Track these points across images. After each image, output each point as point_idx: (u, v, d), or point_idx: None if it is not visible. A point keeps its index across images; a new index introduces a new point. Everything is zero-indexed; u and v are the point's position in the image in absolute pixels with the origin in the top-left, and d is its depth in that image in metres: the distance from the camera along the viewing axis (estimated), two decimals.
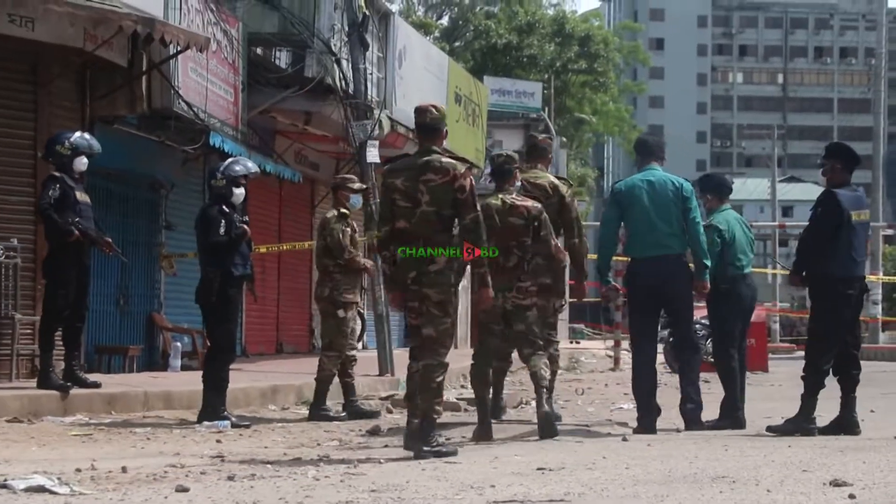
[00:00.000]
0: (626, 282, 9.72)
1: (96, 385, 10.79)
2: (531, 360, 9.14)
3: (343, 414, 11.17)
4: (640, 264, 9.56)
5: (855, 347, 9.52)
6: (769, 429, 9.31)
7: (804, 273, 9.48)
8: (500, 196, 9.33)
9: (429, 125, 8.14)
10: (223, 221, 10.16)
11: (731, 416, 9.90)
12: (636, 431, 9.47)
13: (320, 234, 11.45)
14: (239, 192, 10.36)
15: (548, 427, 8.96)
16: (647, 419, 9.51)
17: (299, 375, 13.64)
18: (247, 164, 10.68)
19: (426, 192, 7.93)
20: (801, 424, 9.21)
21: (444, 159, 8.00)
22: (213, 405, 10.08)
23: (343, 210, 11.32)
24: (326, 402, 11.11)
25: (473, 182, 8.07)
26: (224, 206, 10.25)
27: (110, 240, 11.19)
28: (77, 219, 10.59)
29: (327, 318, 11.26)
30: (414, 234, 7.96)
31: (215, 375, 10.17)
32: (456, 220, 7.94)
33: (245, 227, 10.29)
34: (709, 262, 9.69)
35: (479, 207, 8.00)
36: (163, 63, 13.41)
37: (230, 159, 10.92)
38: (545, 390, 9.06)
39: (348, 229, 11.20)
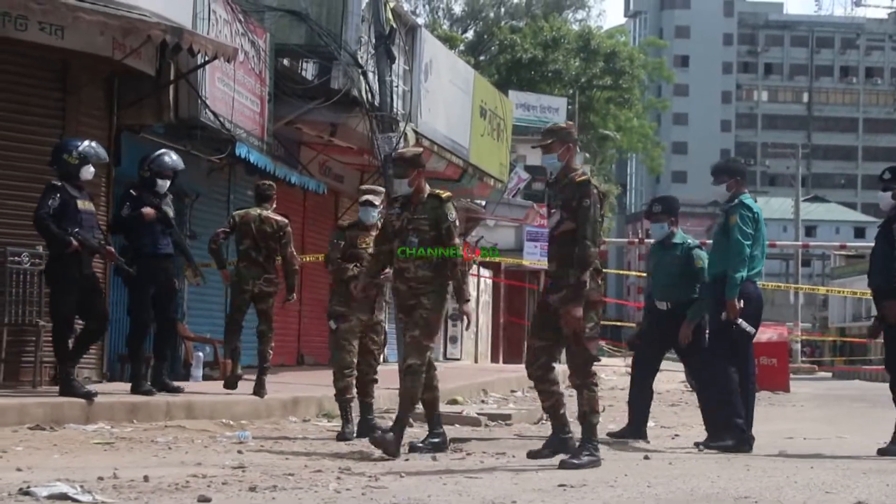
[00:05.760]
0: (750, 300, 9.67)
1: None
2: (267, 337, 11.94)
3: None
4: (755, 286, 9.74)
5: None
6: (880, 451, 9.34)
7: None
8: (258, 210, 11.99)
9: None
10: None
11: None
12: (731, 449, 9.48)
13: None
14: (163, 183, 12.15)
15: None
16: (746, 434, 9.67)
17: (320, 387, 13.62)
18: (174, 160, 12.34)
19: None
20: None
21: None
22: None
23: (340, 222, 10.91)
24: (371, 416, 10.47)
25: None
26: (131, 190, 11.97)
27: (112, 249, 11.38)
28: (76, 229, 10.65)
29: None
30: None
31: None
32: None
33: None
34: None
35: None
36: (190, 73, 13.46)
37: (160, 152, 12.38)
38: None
39: (340, 242, 10.43)
